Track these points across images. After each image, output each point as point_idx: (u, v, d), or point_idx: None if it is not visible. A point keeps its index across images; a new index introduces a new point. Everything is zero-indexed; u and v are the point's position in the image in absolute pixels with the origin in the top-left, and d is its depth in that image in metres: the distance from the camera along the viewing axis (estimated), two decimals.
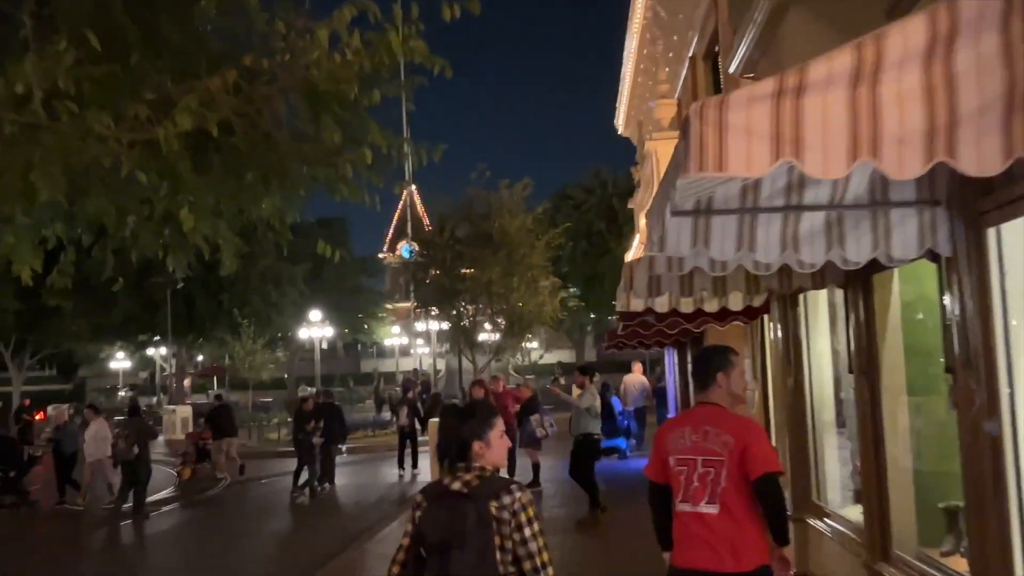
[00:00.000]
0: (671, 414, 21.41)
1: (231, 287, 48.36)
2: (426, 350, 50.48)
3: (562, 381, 32.02)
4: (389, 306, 59.75)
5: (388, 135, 4.93)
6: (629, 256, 16.55)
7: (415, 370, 52.60)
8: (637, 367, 23.35)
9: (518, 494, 3.82)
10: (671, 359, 21.49)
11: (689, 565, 4.66)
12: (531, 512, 3.83)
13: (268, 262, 49.78)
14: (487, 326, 19.76)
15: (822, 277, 6.60)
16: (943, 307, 5.20)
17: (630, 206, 17.23)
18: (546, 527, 11.67)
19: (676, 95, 14.52)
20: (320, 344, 65.92)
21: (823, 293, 8.56)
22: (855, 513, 7.83)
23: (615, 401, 22.20)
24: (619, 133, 20.93)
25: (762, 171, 2.89)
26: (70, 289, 35.43)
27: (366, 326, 60.53)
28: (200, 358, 64.83)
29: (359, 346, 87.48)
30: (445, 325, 21.12)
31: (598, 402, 14.70)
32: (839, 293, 8.52)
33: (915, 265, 5.93)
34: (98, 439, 17.95)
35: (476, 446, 3.91)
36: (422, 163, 5.10)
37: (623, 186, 49.41)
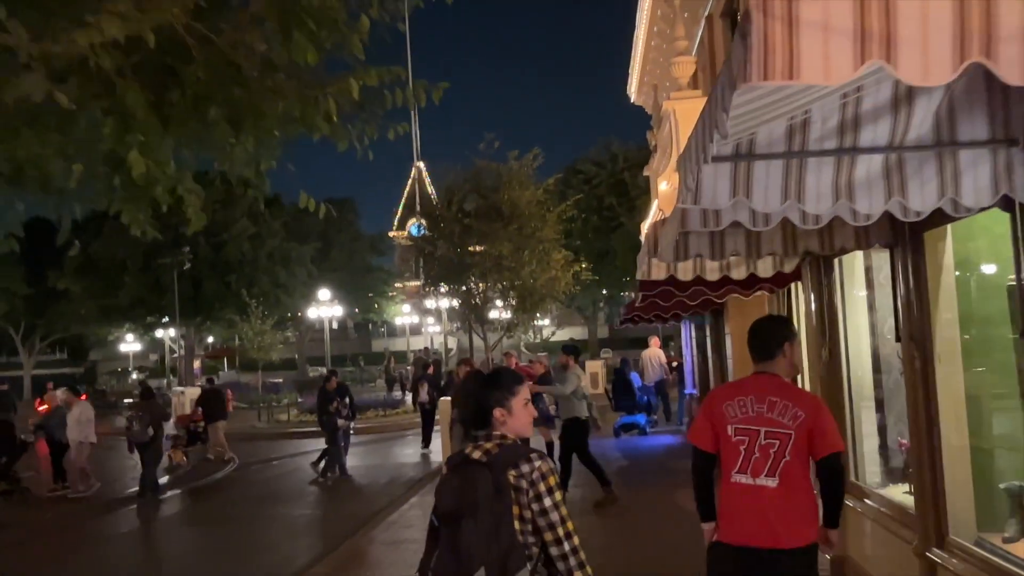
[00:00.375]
0: (689, 389, 20.83)
1: (239, 268, 48.01)
2: (437, 328, 50.02)
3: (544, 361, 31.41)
4: (399, 285, 59.21)
5: (380, 70, 4.26)
6: (646, 225, 15.92)
7: (426, 348, 52.24)
8: (655, 341, 22.84)
9: (537, 463, 3.64)
10: (688, 332, 20.86)
11: (742, 541, 4.50)
12: (552, 481, 3.66)
13: (276, 242, 49.38)
14: (498, 302, 19.12)
15: (867, 235, 5.97)
16: (1018, 263, 4.57)
17: (645, 173, 16.57)
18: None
19: (693, 53, 13.86)
20: (330, 324, 65.77)
21: (859, 257, 7.94)
22: (899, 494, 7.24)
23: (634, 377, 21.68)
24: (632, 101, 20.20)
25: (843, 77, 2.28)
26: (78, 271, 35.10)
27: (376, 305, 59.94)
28: (211, 340, 64.60)
29: (370, 326, 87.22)
30: (455, 303, 20.47)
31: (584, 382, 14.01)
32: (877, 257, 7.92)
33: (970, 221, 5.31)
34: (81, 421, 17.47)
35: (497, 413, 3.76)
36: (421, 104, 4.46)
37: (634, 159, 48.63)
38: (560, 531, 3.63)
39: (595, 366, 40.11)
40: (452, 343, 77.03)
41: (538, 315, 19.80)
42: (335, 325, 73.78)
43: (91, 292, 48.47)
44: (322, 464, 18.40)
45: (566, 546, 3.63)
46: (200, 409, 22.81)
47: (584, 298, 53.89)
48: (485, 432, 3.76)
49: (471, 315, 19.68)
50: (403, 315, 60.50)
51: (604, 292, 58.33)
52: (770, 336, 4.77)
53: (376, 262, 61.08)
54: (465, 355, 21.53)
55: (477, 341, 21.04)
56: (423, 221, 19.08)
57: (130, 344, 67.40)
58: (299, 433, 29.76)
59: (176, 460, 21.98)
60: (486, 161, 19.13)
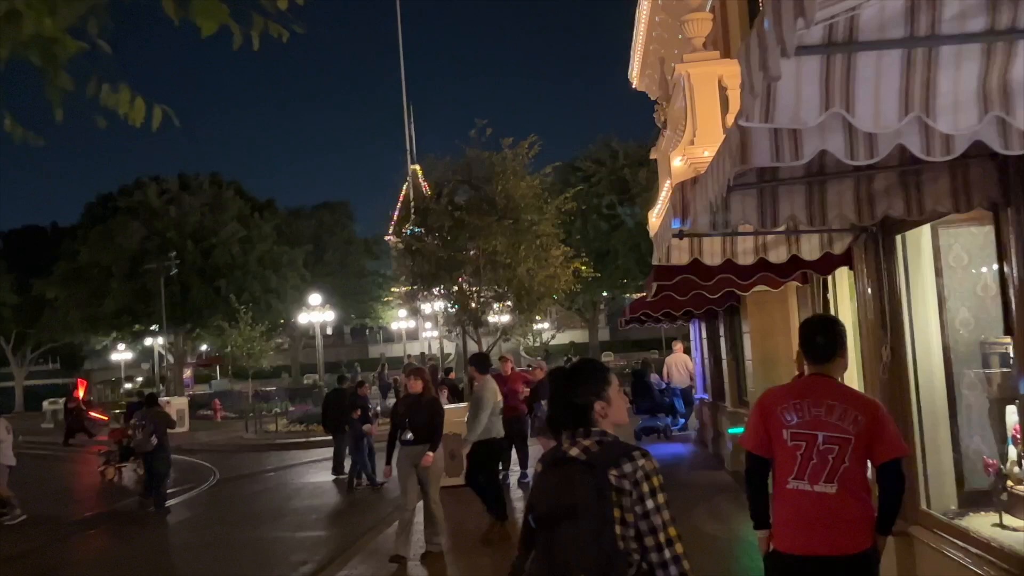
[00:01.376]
0: (700, 394, 19.37)
1: (228, 273, 46.59)
2: (434, 334, 48.52)
3: (543, 366, 30.05)
4: (395, 289, 57.73)
5: None
6: (654, 216, 14.45)
7: (422, 354, 50.74)
8: (679, 346, 21.50)
9: (641, 461, 3.43)
10: (698, 333, 19.39)
11: (804, 551, 4.32)
12: (656, 482, 3.43)
13: (266, 246, 47.94)
14: (493, 304, 17.65)
15: (967, 192, 4.49)
16: None
17: (653, 155, 15.10)
18: None
19: (708, 7, 12.40)
20: (324, 329, 64.22)
21: (926, 235, 6.48)
22: (985, 526, 5.78)
23: (654, 378, 20.38)
24: (633, 87, 18.69)
25: None
26: (63, 279, 33.55)
27: (372, 310, 58.44)
28: (205, 348, 63.14)
29: (367, 331, 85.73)
30: (448, 305, 18.99)
31: (498, 398, 12.35)
32: (946, 234, 6.46)
33: None
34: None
35: (598, 407, 3.54)
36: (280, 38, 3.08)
37: (635, 156, 47.22)
38: (662, 536, 3.38)
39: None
40: (450, 348, 75.67)
41: (536, 316, 18.25)
42: (329, 331, 72.40)
43: (76, 300, 47.03)
44: (355, 478, 17.31)
45: (667, 553, 3.37)
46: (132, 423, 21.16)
47: (584, 299, 52.44)
48: (584, 429, 3.50)
49: (464, 317, 18.16)
50: (399, 320, 58.95)
51: (605, 294, 56.89)
52: (833, 336, 4.54)
53: (371, 266, 59.61)
54: (454, 360, 20.00)
55: (476, 347, 19.52)
56: (413, 217, 17.59)
57: (121, 353, 65.86)
58: (288, 444, 28.27)
59: (108, 477, 20.96)
60: (477, 150, 17.64)
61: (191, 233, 46.37)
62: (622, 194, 46.16)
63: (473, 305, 17.47)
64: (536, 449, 15.76)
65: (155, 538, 14.72)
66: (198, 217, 46.81)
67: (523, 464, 16.09)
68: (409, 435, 9.75)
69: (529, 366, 18.08)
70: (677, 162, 10.72)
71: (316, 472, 20.80)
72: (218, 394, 52.26)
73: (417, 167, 41.26)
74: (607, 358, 52.76)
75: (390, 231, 61.11)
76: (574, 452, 3.46)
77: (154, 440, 15.71)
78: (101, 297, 45.91)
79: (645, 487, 3.40)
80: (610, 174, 46.84)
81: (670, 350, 21.44)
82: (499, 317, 18.05)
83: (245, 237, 47.22)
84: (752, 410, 4.78)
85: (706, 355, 17.76)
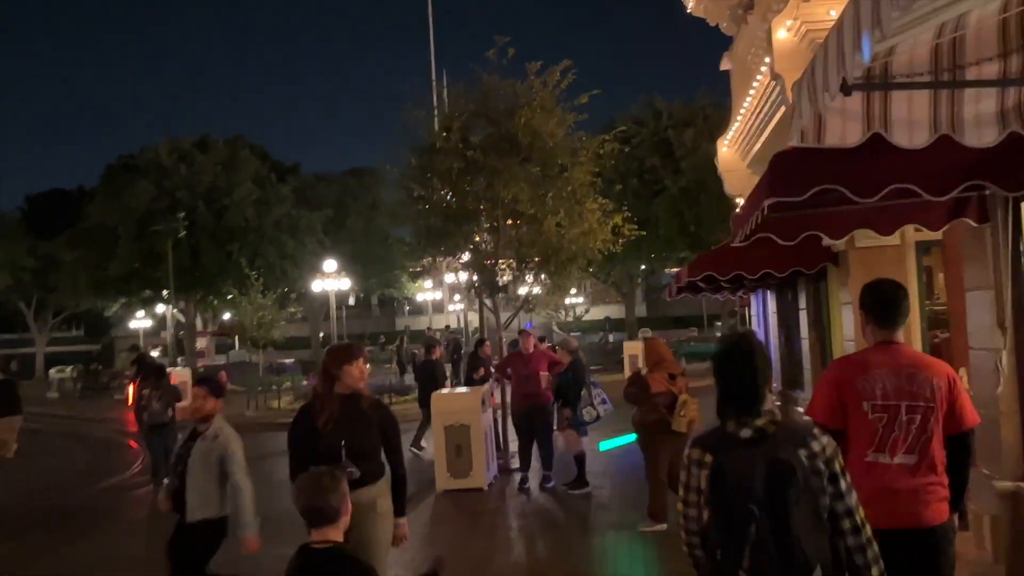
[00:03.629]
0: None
1: (242, 236, 43.69)
2: (461, 306, 45.36)
3: (611, 338, 26.89)
4: (409, 266, 54.30)
5: None
6: (724, 145, 11.11)
7: (447, 327, 47.63)
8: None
9: (825, 438, 3.27)
10: (762, 306, 16.05)
11: (886, 524, 3.84)
12: (842, 460, 3.29)
13: (284, 209, 44.99)
14: (512, 265, 14.33)
15: None
16: None
17: (725, 65, 11.70)
18: (609, 545, 9.06)
19: None
20: (346, 299, 61.23)
21: None
22: None
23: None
24: (688, 12, 15.15)
25: None
26: (69, 240, 30.76)
27: (402, 280, 55.23)
28: (228, 316, 60.56)
29: (395, 303, 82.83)
30: (460, 267, 15.71)
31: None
32: None
33: None
34: None
35: (765, 388, 3.36)
36: None
37: (680, 116, 43.62)
38: (858, 517, 3.26)
39: (634, 347, 35.51)
40: (477, 321, 72.27)
41: (567, 283, 14.91)
42: (352, 301, 69.45)
43: (83, 263, 44.38)
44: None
45: (864, 535, 3.26)
46: None
47: (620, 272, 48.96)
48: (755, 409, 3.27)
49: (479, 281, 14.90)
50: (425, 291, 55.83)
51: (643, 267, 53.37)
52: (899, 301, 4.38)
53: (397, 233, 56.43)
54: (491, 335, 16.67)
55: (493, 319, 16.28)
56: (413, 160, 14.27)
57: (140, 321, 63.46)
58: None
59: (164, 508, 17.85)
60: (496, 77, 14.28)
61: (203, 193, 43.48)
62: (665, 157, 42.54)
63: (489, 263, 14.16)
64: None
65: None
66: (211, 177, 43.88)
67: (547, 465, 12.96)
68: (356, 472, 5.51)
69: (551, 345, 14.55)
70: (781, 34, 7.43)
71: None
72: (233, 365, 49.59)
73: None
74: (645, 334, 49.37)
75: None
76: (746, 434, 3.23)
77: (170, 412, 14.25)
78: (108, 260, 43.20)
79: (836, 465, 3.24)
80: (652, 135, 43.20)
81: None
82: (522, 282, 14.69)
83: (261, 199, 44.23)
84: (821, 381, 4.47)
85: (775, 334, 14.43)
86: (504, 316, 15.36)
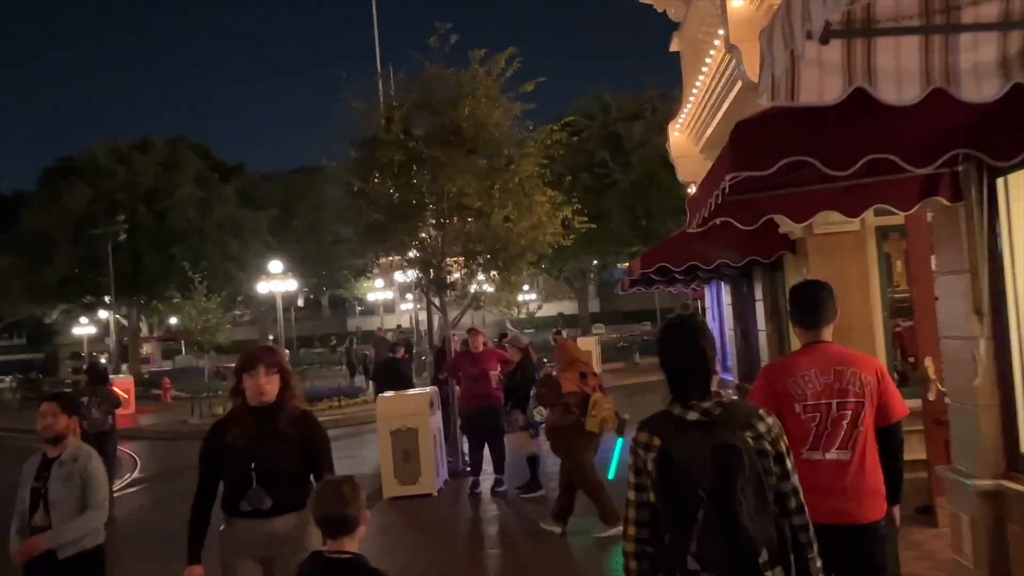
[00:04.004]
0: (722, 374, 15.64)
1: (184, 238, 42.55)
2: (417, 306, 44.61)
3: (564, 335, 26.46)
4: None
5: None
6: (676, 129, 10.63)
7: (398, 327, 46.86)
8: None
9: (770, 419, 3.26)
10: (717, 298, 15.67)
11: (826, 520, 3.87)
12: (787, 440, 3.28)
13: (227, 210, 43.93)
14: (463, 263, 13.75)
15: None
16: None
17: (675, 47, 11.20)
18: (564, 552, 8.94)
19: None
20: (294, 300, 60.13)
21: None
22: None
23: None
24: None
25: None
26: (3, 245, 29.46)
27: (351, 280, 54.27)
28: (174, 320, 59.18)
29: (347, 303, 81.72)
30: (405, 265, 15.06)
31: None
32: None
33: None
34: None
35: (711, 370, 3.33)
36: None
37: (628, 109, 43.32)
38: (802, 496, 3.26)
39: (588, 343, 35.15)
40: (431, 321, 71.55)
41: (514, 279, 14.38)
42: (301, 302, 68.31)
43: (16, 270, 42.94)
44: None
45: (806, 515, 3.26)
46: None
47: (572, 268, 48.61)
48: (699, 392, 3.24)
49: (426, 279, 14.33)
50: (375, 291, 54.96)
51: (596, 263, 53.07)
52: (826, 300, 4.47)
53: (344, 231, 55.50)
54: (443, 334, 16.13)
55: (441, 318, 15.69)
56: (353, 152, 13.63)
57: (84, 327, 61.86)
58: None
59: None
60: (439, 66, 13.70)
61: (143, 195, 42.29)
62: (615, 151, 42.21)
63: (435, 260, 13.60)
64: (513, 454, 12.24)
65: None
66: (151, 178, 42.70)
67: (498, 468, 12.44)
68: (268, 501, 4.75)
69: (503, 339, 13.81)
70: (736, 2, 6.93)
71: None
72: (179, 371, 48.39)
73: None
74: (598, 330, 49.10)
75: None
76: (693, 416, 3.20)
77: (110, 419, 13.68)
78: (44, 266, 41.84)
79: (781, 446, 3.23)
80: (601, 129, 42.84)
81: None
82: (470, 279, 14.13)
83: (203, 200, 43.11)
84: (754, 389, 4.53)
85: (730, 326, 14.04)
86: (455, 314, 14.80)
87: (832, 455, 4.22)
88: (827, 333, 4.43)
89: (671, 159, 9.68)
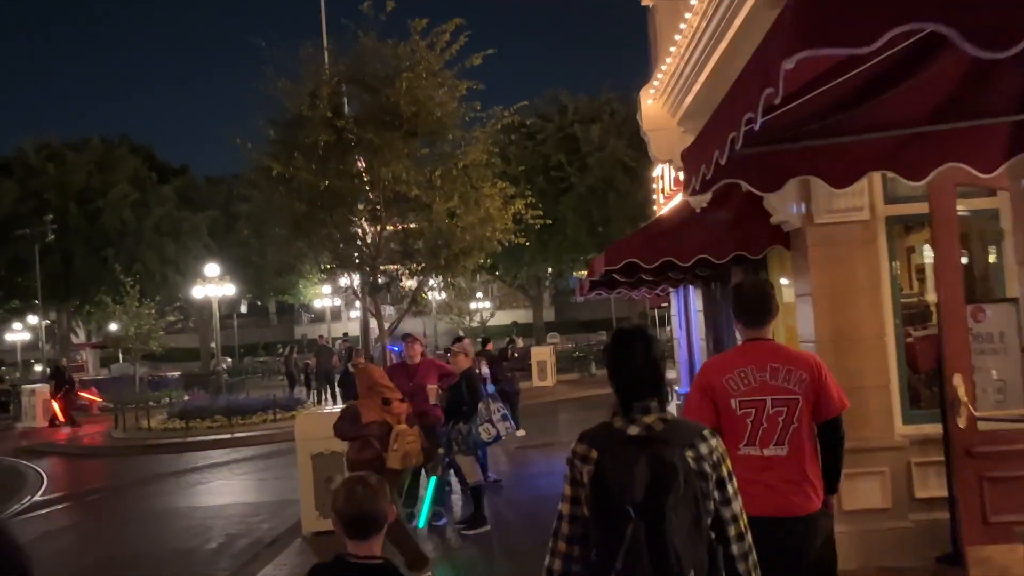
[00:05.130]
0: (683, 388, 14.09)
1: (118, 240, 40.28)
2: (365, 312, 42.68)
3: (519, 343, 24.88)
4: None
5: None
6: (650, 96, 9.00)
7: (345, 334, 44.88)
8: None
9: (714, 441, 3.14)
10: (683, 303, 14.14)
11: (762, 512, 3.93)
12: (730, 464, 3.17)
13: (165, 211, 41.72)
14: (395, 259, 12.02)
15: None
16: None
17: (647, 0, 9.58)
18: None
19: None
20: (237, 307, 57.91)
21: None
22: None
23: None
24: None
25: None
26: None
27: (294, 286, 52.08)
28: (115, 327, 56.67)
29: (295, 310, 79.32)
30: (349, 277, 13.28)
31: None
32: None
33: None
34: None
35: (659, 383, 3.22)
36: None
37: (585, 111, 41.89)
38: (742, 523, 3.16)
39: (543, 353, 33.61)
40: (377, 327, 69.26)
41: (459, 280, 12.69)
42: (244, 308, 66.04)
43: None
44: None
45: (746, 542, 3.16)
46: None
47: (529, 272, 47.01)
48: (641, 404, 3.11)
49: (361, 279, 12.58)
50: (323, 296, 52.86)
51: (551, 270, 51.55)
52: (767, 299, 4.55)
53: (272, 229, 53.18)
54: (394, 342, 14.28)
55: (377, 325, 13.91)
56: (271, 132, 11.85)
57: (17, 334, 59.00)
58: (158, 447, 22.61)
59: None
60: (373, 38, 11.98)
61: (75, 195, 39.98)
62: (572, 154, 40.72)
63: (367, 261, 11.86)
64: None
65: None
66: (83, 177, 40.39)
67: (437, 498, 10.71)
68: None
69: (449, 350, 11.78)
70: None
71: (183, 492, 15.32)
72: (114, 380, 45.99)
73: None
74: (553, 340, 47.56)
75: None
76: (634, 431, 3.09)
77: None
78: None
79: (724, 470, 3.12)
80: (558, 131, 41.32)
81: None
82: (407, 279, 12.40)
83: (139, 200, 40.89)
84: (693, 386, 4.61)
85: (702, 335, 12.48)
86: (388, 320, 13.07)
87: (769, 451, 4.28)
88: (768, 331, 4.53)
89: (642, 133, 8.08)
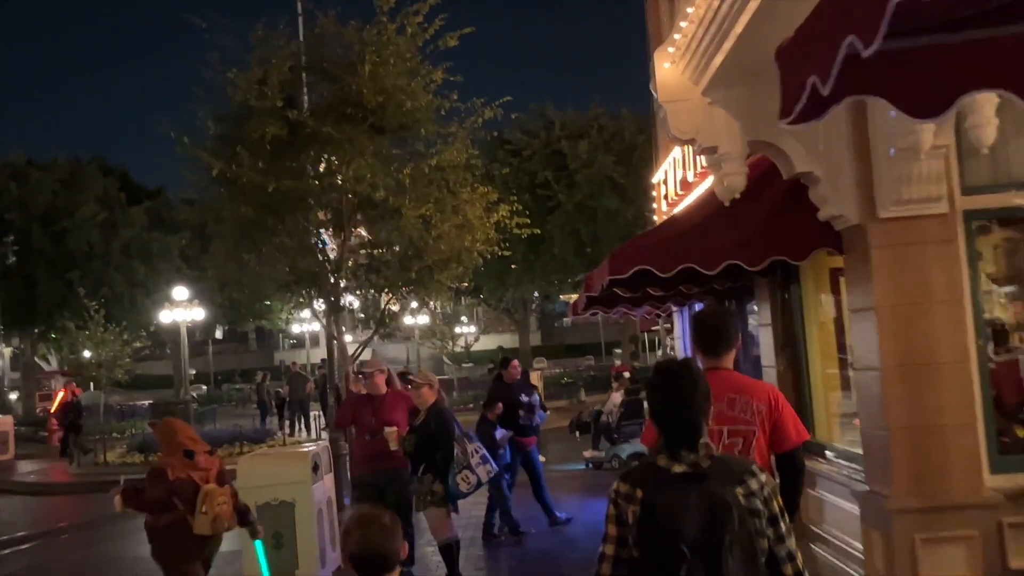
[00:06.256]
0: None
1: (85, 263, 38.42)
2: (348, 338, 40.78)
3: (432, 380, 23.07)
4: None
5: None
6: (668, 60, 7.36)
7: (323, 360, 43.06)
8: None
9: (763, 476, 3.05)
10: (687, 324, 12.52)
11: None
12: (780, 499, 3.07)
13: (134, 232, 39.92)
14: (359, 272, 10.33)
15: None
16: None
17: None
18: None
19: None
20: (212, 332, 55.96)
21: None
22: None
23: None
24: None
25: None
26: None
27: (270, 311, 50.22)
28: (87, 354, 54.69)
29: (276, 335, 77.34)
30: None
31: None
32: None
33: None
34: None
35: (703, 421, 3.13)
36: None
37: (573, 126, 40.36)
38: (799, 561, 3.06)
39: (532, 378, 31.79)
40: (365, 352, 67.12)
41: (434, 297, 10.99)
42: (219, 334, 64.06)
43: None
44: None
45: None
46: None
47: (514, 295, 45.33)
48: (690, 441, 3.01)
49: (320, 295, 10.87)
50: (301, 321, 51.01)
51: (536, 294, 49.81)
52: (726, 328, 4.56)
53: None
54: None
55: (347, 348, 12.17)
56: (211, 125, 10.17)
57: None
58: (113, 484, 20.72)
59: None
60: (335, 18, 10.35)
61: (39, 215, 38.14)
62: (559, 170, 39.14)
63: (325, 274, 10.16)
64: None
65: None
66: (48, 197, 38.58)
67: (405, 558, 8.96)
68: None
69: (407, 377, 9.80)
70: None
71: (130, 538, 13.49)
72: (78, 409, 43.99)
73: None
74: (540, 365, 45.80)
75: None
76: (680, 469, 2.97)
77: None
78: None
79: (775, 506, 3.02)
80: (544, 147, 39.73)
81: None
82: (369, 295, 10.71)
83: (107, 220, 39.08)
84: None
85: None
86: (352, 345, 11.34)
87: None
88: (727, 360, 4.49)
89: (656, 106, 6.44)
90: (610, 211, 37.71)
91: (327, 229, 10.62)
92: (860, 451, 6.98)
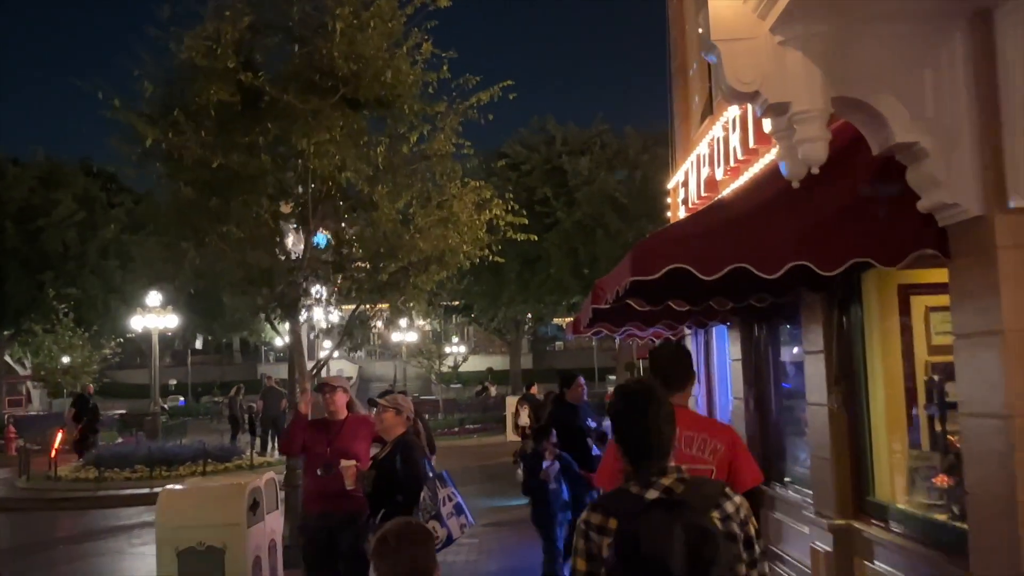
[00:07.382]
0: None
1: (59, 264, 36.70)
2: (323, 352, 38.98)
3: (492, 391, 21.82)
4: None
5: None
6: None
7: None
8: None
9: (738, 498, 2.98)
10: (704, 352, 10.91)
11: None
12: (755, 522, 3.03)
13: (113, 233, 38.18)
14: (322, 272, 8.70)
15: None
16: None
17: None
18: None
19: None
20: (192, 342, 54.15)
21: None
22: None
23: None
24: None
25: None
26: None
27: (251, 321, 48.36)
28: (66, 360, 52.85)
29: (262, 349, 75.37)
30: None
31: None
32: None
33: None
34: None
35: (672, 442, 3.06)
36: None
37: (574, 142, 38.88)
38: None
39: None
40: (351, 369, 65.13)
41: (412, 306, 9.28)
42: (199, 344, 62.23)
43: None
44: None
45: None
46: None
47: (505, 317, 43.64)
48: (658, 465, 2.95)
49: (272, 296, 9.18)
50: (285, 334, 49.16)
51: (528, 315, 48.11)
52: (687, 364, 4.58)
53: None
54: (366, 385, 10.35)
55: (305, 360, 10.47)
56: (148, 87, 8.51)
57: None
58: (63, 502, 19.13)
59: None
60: None
61: (13, 213, 36.48)
62: (558, 187, 37.62)
63: (279, 271, 8.52)
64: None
65: None
66: (24, 193, 36.93)
67: None
68: None
69: (376, 403, 8.04)
70: None
71: (64, 568, 11.77)
72: (55, 416, 42.19)
73: None
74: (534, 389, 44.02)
75: None
76: (652, 495, 2.87)
77: None
78: None
79: (751, 529, 2.97)
80: (544, 162, 38.24)
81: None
82: (337, 300, 9.07)
83: (86, 221, 37.43)
84: (608, 448, 4.51)
85: (739, 394, 9.19)
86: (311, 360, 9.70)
87: None
88: (684, 397, 4.47)
89: (707, 46, 4.80)
90: (611, 231, 36.13)
91: (289, 221, 8.96)
92: (943, 518, 5.38)
